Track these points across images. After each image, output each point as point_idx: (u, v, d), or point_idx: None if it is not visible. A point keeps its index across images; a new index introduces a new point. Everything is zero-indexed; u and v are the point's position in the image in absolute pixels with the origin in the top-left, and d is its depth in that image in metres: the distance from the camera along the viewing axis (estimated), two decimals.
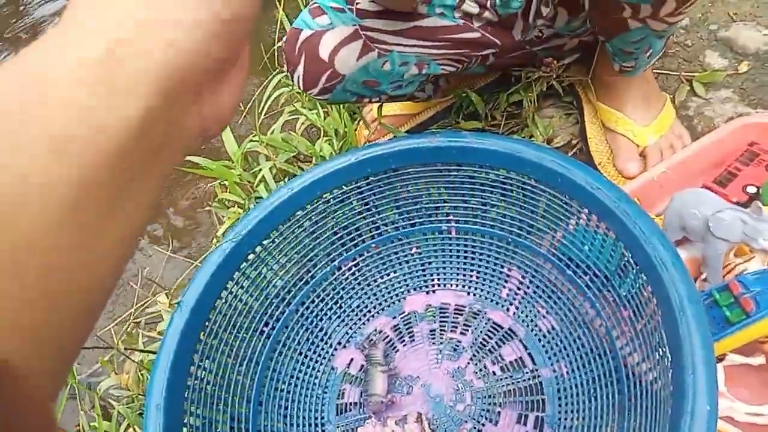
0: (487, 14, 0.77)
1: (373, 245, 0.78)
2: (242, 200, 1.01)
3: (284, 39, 0.75)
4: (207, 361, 0.66)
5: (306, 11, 0.74)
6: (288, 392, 0.72)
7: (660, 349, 0.51)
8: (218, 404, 0.65)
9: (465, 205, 0.74)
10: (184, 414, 0.60)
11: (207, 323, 0.66)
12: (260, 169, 1.02)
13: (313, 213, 0.73)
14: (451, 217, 0.75)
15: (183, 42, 0.18)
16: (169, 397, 0.59)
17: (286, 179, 1.03)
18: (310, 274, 0.77)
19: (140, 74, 0.18)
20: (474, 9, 0.76)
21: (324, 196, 0.72)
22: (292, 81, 0.76)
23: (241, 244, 0.69)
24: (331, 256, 0.77)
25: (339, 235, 0.77)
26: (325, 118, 1.05)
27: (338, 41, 0.71)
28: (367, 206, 0.75)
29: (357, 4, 0.71)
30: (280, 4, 1.12)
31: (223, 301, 0.68)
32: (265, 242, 0.71)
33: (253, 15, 0.21)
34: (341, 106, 1.02)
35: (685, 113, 0.90)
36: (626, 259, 0.57)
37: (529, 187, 0.67)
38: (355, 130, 1.04)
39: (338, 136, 1.02)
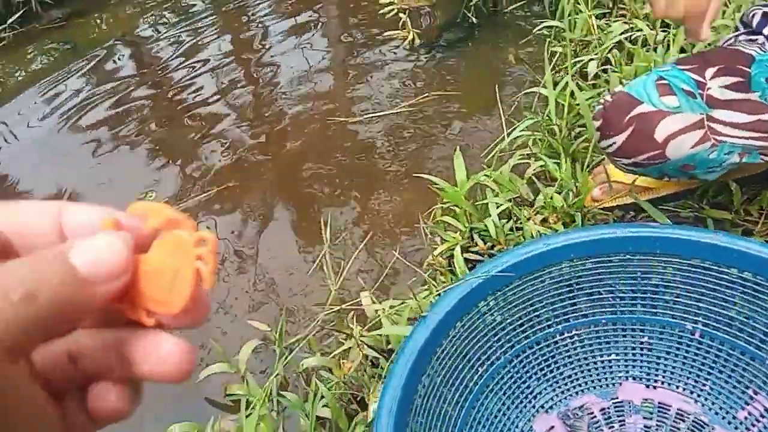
0: None
1: (604, 321, 0.77)
2: (463, 228, 1.04)
3: (610, 97, 0.75)
4: (427, 379, 0.68)
5: (651, 83, 0.73)
6: None
7: None
8: (428, 424, 0.67)
9: (720, 309, 0.70)
10: (406, 426, 0.63)
11: (437, 348, 0.69)
12: (486, 203, 1.05)
13: (557, 273, 0.74)
14: (699, 318, 0.72)
15: None
16: (400, 405, 0.62)
17: (511, 219, 1.05)
18: (532, 330, 0.77)
19: None
20: None
21: (574, 260, 0.73)
22: (599, 139, 0.75)
23: (484, 284, 0.71)
24: (558, 319, 0.77)
25: (573, 300, 0.76)
26: (563, 169, 1.05)
27: (680, 128, 0.70)
28: (612, 279, 0.74)
29: (708, 89, 0.70)
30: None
31: (456, 330, 0.71)
32: (505, 288, 0.73)
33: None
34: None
35: None
36: None
37: None
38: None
39: (574, 191, 1.02)
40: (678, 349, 0.74)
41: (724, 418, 0.70)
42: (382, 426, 0.60)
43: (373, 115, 1.54)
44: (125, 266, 0.18)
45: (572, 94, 1.09)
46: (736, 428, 0.69)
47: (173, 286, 0.19)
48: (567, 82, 1.09)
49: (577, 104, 1.09)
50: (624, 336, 0.77)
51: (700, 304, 0.71)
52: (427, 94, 1.59)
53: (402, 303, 0.88)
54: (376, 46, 1.85)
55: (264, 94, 1.72)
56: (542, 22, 1.56)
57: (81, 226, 0.20)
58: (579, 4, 1.45)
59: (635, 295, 0.75)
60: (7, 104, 1.82)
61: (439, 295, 0.88)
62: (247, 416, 0.80)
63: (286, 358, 0.84)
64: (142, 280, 0.19)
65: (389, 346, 0.90)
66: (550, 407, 0.76)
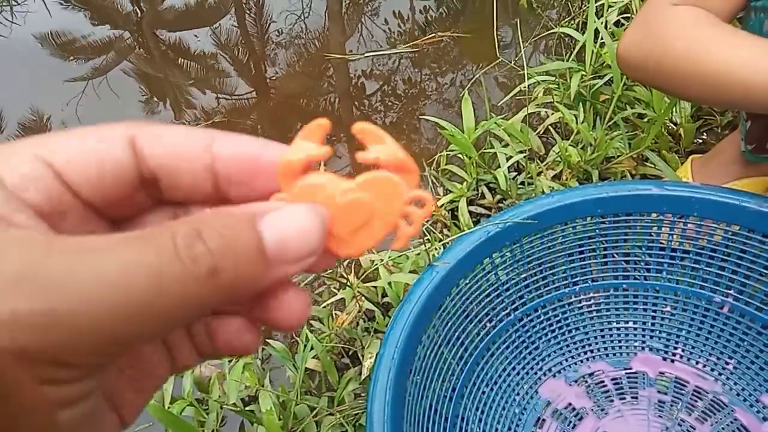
0: None
1: (624, 286, 0.71)
2: (470, 179, 0.97)
3: None
4: (432, 330, 0.62)
5: None
6: (489, 398, 0.67)
7: None
8: (430, 377, 0.61)
9: (755, 283, 0.64)
10: (407, 379, 0.57)
11: (446, 297, 0.62)
12: (494, 153, 0.97)
13: (581, 229, 0.67)
14: (731, 292, 0.66)
15: None
16: (402, 357, 0.56)
17: (520, 173, 0.98)
18: (546, 289, 0.71)
19: None
20: None
21: (601, 217, 0.66)
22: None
23: (500, 234, 0.64)
24: (574, 280, 0.71)
25: (591, 261, 0.70)
26: (582, 122, 0.97)
27: None
28: (638, 241, 0.68)
29: None
30: None
31: (467, 282, 0.64)
32: (522, 239, 0.66)
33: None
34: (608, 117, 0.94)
35: None
36: None
37: None
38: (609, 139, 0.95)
39: (593, 147, 0.94)
40: (702, 322, 0.69)
41: (746, 400, 0.65)
42: (381, 374, 0.54)
43: (374, 53, 1.43)
44: (316, 251, 0.16)
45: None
46: (758, 412, 0.64)
47: (363, 228, 0.17)
48: (596, 28, 1.00)
49: (605, 53, 1.01)
50: (645, 304, 0.71)
51: (735, 276, 0.65)
52: (433, 35, 1.49)
53: (401, 255, 0.81)
54: None
55: (253, 27, 1.61)
56: None
57: (235, 159, 0.17)
58: None
59: (662, 260, 0.69)
60: None
61: (444, 246, 0.82)
62: (230, 363, 0.74)
63: None
64: (332, 208, 0.17)
65: (384, 299, 0.84)
66: (558, 372, 0.71)
